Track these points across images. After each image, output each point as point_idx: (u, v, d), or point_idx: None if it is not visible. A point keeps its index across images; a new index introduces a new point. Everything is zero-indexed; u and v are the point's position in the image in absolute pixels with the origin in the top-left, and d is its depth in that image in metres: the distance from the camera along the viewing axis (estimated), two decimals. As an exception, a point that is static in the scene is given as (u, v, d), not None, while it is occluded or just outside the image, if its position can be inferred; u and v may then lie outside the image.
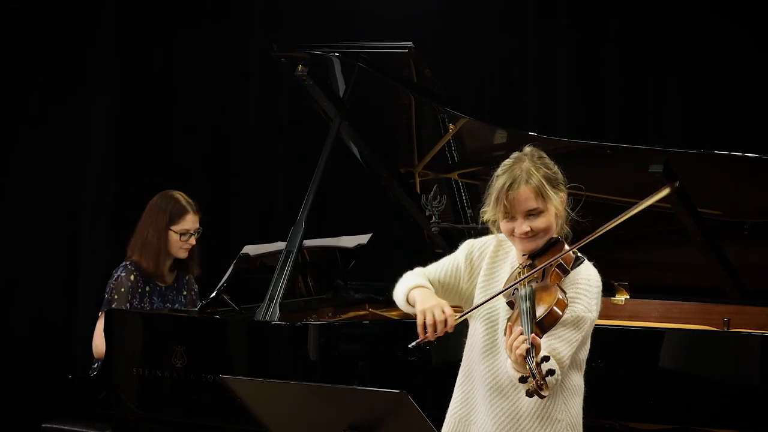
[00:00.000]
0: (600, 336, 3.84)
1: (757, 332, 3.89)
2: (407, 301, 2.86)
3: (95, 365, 4.44)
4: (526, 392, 2.52)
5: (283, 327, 3.98)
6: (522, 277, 2.73)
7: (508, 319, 2.69)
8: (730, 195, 4.21)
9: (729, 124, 5.68)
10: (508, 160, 2.85)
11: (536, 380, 2.48)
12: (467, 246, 2.98)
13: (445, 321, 2.73)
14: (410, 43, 4.35)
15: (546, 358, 2.51)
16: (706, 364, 3.88)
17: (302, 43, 4.57)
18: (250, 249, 4.38)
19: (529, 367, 2.49)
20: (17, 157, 5.65)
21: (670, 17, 5.73)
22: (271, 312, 4.04)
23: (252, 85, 6.08)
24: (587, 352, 2.88)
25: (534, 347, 2.51)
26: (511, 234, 2.80)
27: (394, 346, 4.01)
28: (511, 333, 2.59)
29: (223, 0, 6.05)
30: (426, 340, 2.74)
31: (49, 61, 5.65)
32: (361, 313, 4.69)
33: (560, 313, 2.64)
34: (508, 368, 2.71)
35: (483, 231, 3.01)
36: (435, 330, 2.72)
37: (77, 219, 5.73)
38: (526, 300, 2.63)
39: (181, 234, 4.47)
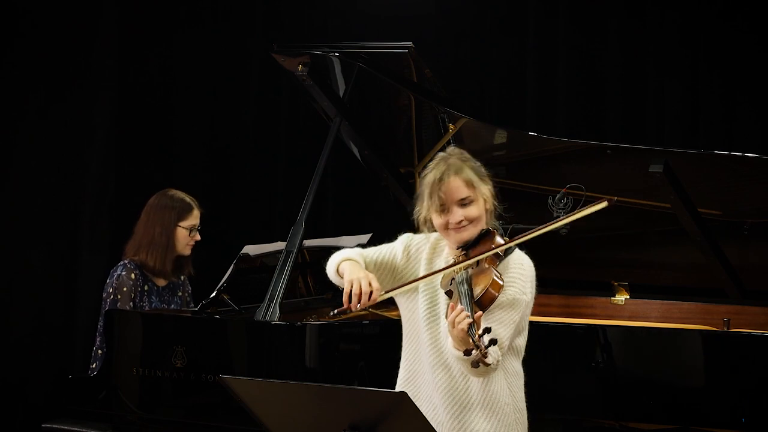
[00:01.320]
0: (600, 336, 3.85)
1: (757, 332, 3.90)
2: (337, 272, 2.99)
3: (93, 366, 4.44)
4: (471, 364, 2.63)
5: (283, 327, 3.98)
6: (459, 263, 2.85)
7: (448, 306, 2.79)
8: (730, 195, 4.22)
9: (729, 124, 5.68)
10: (433, 160, 3.00)
11: (480, 350, 2.59)
12: (406, 238, 3.10)
13: (370, 293, 2.85)
14: (410, 43, 4.35)
15: (488, 330, 2.62)
16: (706, 364, 3.88)
17: (302, 43, 4.58)
18: (250, 249, 4.38)
19: (473, 340, 2.61)
20: (17, 157, 5.65)
21: (670, 17, 5.73)
22: (271, 312, 4.03)
23: (252, 85, 6.08)
24: (525, 339, 2.97)
25: (475, 322, 2.63)
26: (445, 228, 2.93)
27: (394, 346, 4.01)
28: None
29: (223, 0, 6.05)
30: (348, 309, 2.85)
31: (49, 62, 5.65)
32: (361, 313, 4.69)
33: (496, 293, 2.77)
34: (449, 348, 2.80)
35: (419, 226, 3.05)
36: (359, 300, 2.85)
37: (77, 219, 5.73)
38: (464, 284, 2.77)
39: (190, 230, 4.50)
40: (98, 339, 4.47)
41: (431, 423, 2.88)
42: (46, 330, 5.65)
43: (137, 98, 5.82)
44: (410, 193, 4.63)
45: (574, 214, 2.92)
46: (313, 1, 6.09)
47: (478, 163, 3.00)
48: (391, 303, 4.81)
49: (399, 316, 4.49)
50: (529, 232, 2.91)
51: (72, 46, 5.68)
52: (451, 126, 4.52)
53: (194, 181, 5.78)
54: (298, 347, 3.97)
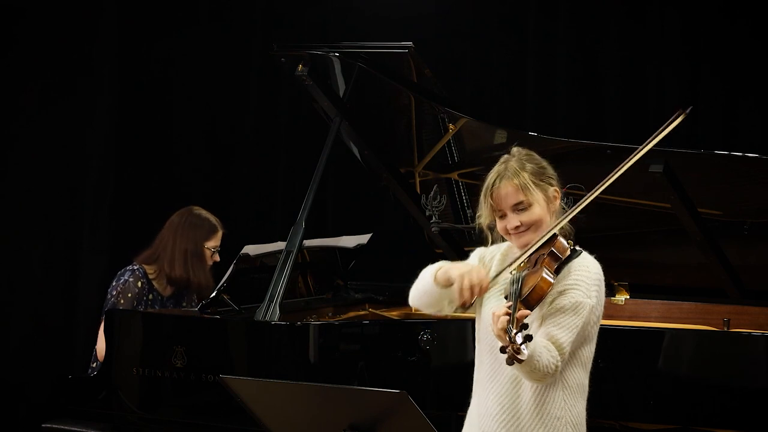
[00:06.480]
0: (600, 336, 3.85)
1: (757, 332, 3.90)
2: (436, 280, 2.84)
3: (94, 365, 4.44)
4: (506, 360, 2.54)
5: (283, 327, 3.98)
6: (512, 263, 2.79)
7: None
8: (730, 195, 4.22)
9: (729, 124, 5.68)
10: (498, 162, 2.93)
11: (512, 345, 2.52)
12: (479, 251, 3.02)
13: (481, 283, 2.74)
14: (410, 43, 4.34)
15: (525, 326, 2.54)
16: (706, 364, 3.88)
17: (302, 43, 4.57)
18: (250, 249, 4.38)
19: (508, 336, 2.53)
20: (17, 157, 5.65)
21: (670, 17, 5.73)
22: (271, 312, 4.04)
23: (252, 85, 6.08)
24: (593, 350, 2.86)
25: (516, 320, 2.55)
26: (505, 232, 2.87)
27: (394, 346, 4.01)
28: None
29: (223, 0, 6.05)
30: (465, 303, 2.75)
31: (49, 62, 5.66)
32: (361, 313, 4.69)
33: (544, 290, 2.68)
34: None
35: (483, 231, 3.02)
36: (472, 292, 2.73)
37: (77, 219, 5.73)
38: (514, 283, 2.69)
39: (213, 251, 4.52)
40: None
41: (481, 429, 2.84)
42: (46, 330, 5.65)
43: (137, 98, 5.82)
44: (410, 193, 4.63)
45: (652, 138, 2.81)
46: (313, 1, 6.09)
47: (543, 163, 2.91)
48: (391, 304, 4.83)
49: (399, 316, 4.50)
50: (583, 200, 2.84)
51: (72, 45, 5.68)
52: (451, 126, 4.52)
53: (194, 181, 5.79)
54: (298, 347, 3.97)
